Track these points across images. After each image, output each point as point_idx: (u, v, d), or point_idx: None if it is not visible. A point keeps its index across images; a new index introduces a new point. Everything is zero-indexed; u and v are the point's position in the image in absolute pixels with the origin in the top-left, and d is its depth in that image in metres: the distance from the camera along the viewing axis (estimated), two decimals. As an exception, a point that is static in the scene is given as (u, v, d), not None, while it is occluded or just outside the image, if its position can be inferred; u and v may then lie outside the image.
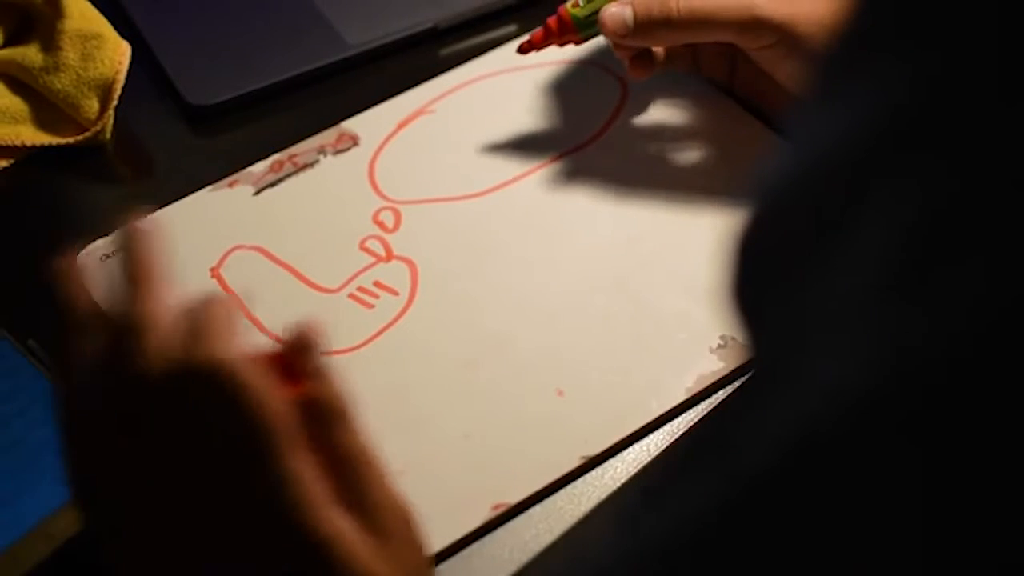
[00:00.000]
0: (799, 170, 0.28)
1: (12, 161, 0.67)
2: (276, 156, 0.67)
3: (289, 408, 0.40)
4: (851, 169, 0.26)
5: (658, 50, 0.65)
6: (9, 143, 0.67)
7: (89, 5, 0.69)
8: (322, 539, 0.39)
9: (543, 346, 0.59)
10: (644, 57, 0.64)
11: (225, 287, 0.61)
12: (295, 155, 0.67)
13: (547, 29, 0.65)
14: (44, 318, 0.60)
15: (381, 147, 0.67)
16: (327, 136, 0.68)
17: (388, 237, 0.63)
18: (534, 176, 0.66)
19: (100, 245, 0.62)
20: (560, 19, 0.64)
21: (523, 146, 0.68)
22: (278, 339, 0.43)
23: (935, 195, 0.23)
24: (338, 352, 0.59)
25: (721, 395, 0.58)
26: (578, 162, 0.67)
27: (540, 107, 0.69)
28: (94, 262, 0.62)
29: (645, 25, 0.61)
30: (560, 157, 0.67)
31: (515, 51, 0.66)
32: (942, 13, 0.25)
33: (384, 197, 0.65)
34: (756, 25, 0.60)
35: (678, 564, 0.27)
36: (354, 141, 0.68)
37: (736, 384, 0.58)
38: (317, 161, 0.67)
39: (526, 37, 0.65)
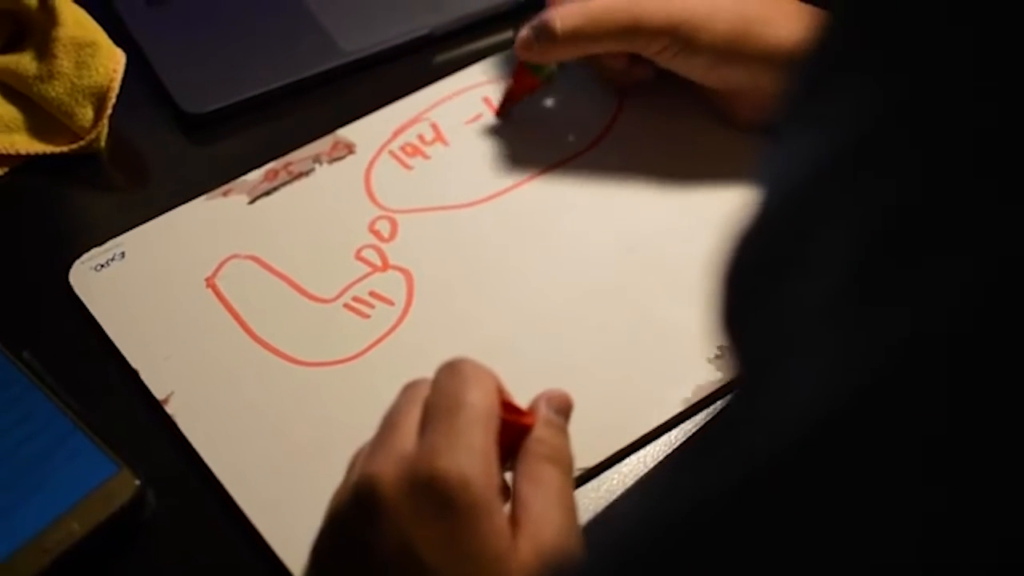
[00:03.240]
0: (775, 193, 0.28)
1: (6, 170, 0.67)
2: (271, 165, 0.66)
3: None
4: (823, 189, 0.26)
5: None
6: (3, 152, 0.66)
7: (84, 13, 0.69)
8: None
9: (539, 356, 0.58)
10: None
11: (220, 297, 0.61)
12: (290, 164, 0.66)
13: (513, 84, 0.68)
14: (38, 329, 0.60)
15: (377, 155, 0.67)
16: (322, 144, 0.67)
17: (384, 246, 0.63)
18: (531, 185, 0.66)
19: (94, 254, 0.62)
20: (519, 70, 0.67)
21: (519, 154, 0.67)
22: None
23: (909, 194, 0.24)
24: (333, 363, 0.58)
25: (719, 406, 0.58)
26: (575, 170, 0.67)
27: (537, 115, 0.69)
28: (88, 272, 0.61)
29: (540, 43, 0.64)
30: (557, 165, 0.67)
31: (496, 113, 0.69)
32: (911, 35, 0.25)
33: (380, 206, 0.65)
34: (639, 32, 0.62)
35: (670, 549, 0.28)
36: (349, 149, 0.67)
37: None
38: (312, 170, 0.66)
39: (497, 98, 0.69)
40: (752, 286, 0.28)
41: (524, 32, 0.65)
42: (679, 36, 0.62)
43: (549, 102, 0.70)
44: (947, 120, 0.24)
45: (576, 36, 0.63)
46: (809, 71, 0.28)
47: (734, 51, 0.62)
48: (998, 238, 0.22)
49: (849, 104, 0.26)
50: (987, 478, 0.23)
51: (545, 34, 0.63)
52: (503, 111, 0.69)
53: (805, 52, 0.28)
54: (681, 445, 0.56)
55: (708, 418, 0.28)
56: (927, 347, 0.23)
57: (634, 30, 0.62)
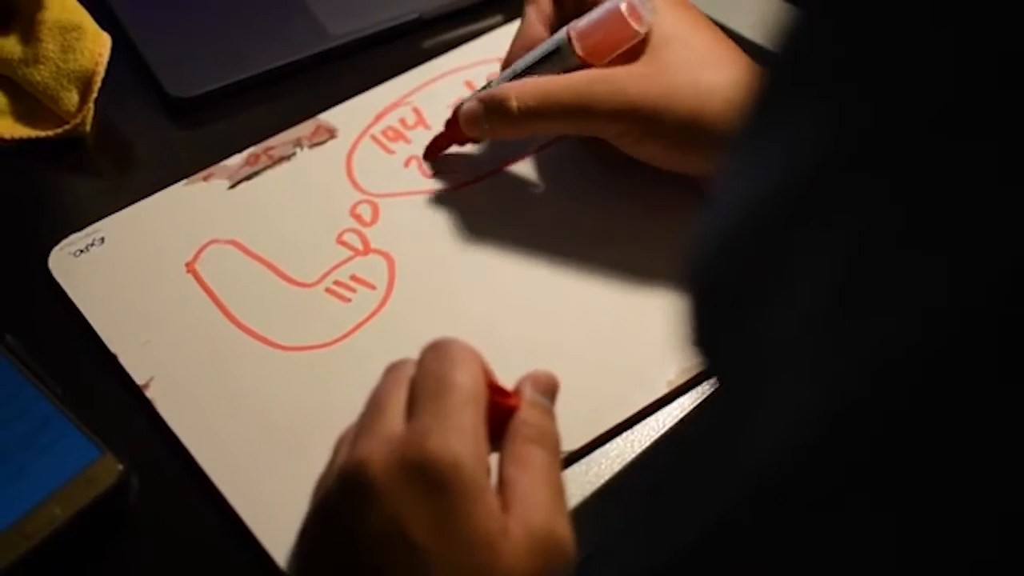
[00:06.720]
0: (739, 209, 0.28)
1: (-9, 155, 0.67)
2: (252, 149, 0.66)
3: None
4: (792, 206, 0.26)
5: None
6: (-12, 136, 0.66)
7: (69, -4, 0.69)
8: None
9: (522, 340, 0.58)
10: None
11: (201, 282, 0.60)
12: (271, 148, 0.66)
13: (446, 136, 0.64)
14: (19, 314, 0.60)
15: (358, 140, 0.67)
16: (304, 129, 0.67)
17: (365, 231, 0.63)
18: (513, 168, 0.65)
19: (73, 240, 0.62)
20: (453, 117, 0.63)
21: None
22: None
23: (879, 220, 0.23)
24: (314, 347, 0.58)
25: (704, 388, 0.57)
26: (558, 153, 0.66)
27: None
28: (67, 258, 0.61)
29: (492, 121, 0.60)
30: (540, 149, 0.66)
31: (422, 157, 0.65)
32: (870, 54, 0.24)
33: (361, 190, 0.64)
34: (593, 119, 0.59)
35: None
36: (331, 134, 0.67)
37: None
38: (293, 154, 0.66)
39: (428, 140, 0.65)
40: (724, 305, 0.28)
41: (471, 106, 0.61)
42: (636, 122, 0.58)
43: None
44: (921, 140, 0.23)
45: (532, 115, 0.59)
46: (769, 89, 0.28)
47: (694, 135, 0.58)
48: (995, 248, 0.22)
49: (811, 124, 0.25)
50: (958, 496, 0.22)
51: (498, 112, 0.60)
52: (431, 157, 0.65)
53: (765, 72, 0.27)
54: (659, 467, 0.56)
55: (686, 430, 0.28)
56: (900, 360, 0.22)
57: (587, 111, 0.58)
